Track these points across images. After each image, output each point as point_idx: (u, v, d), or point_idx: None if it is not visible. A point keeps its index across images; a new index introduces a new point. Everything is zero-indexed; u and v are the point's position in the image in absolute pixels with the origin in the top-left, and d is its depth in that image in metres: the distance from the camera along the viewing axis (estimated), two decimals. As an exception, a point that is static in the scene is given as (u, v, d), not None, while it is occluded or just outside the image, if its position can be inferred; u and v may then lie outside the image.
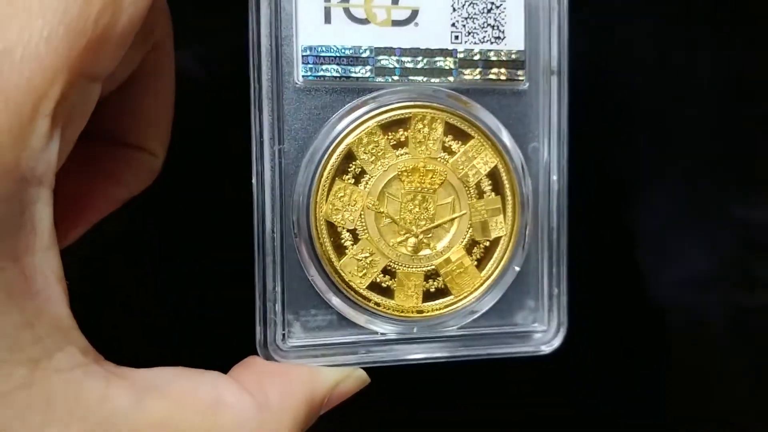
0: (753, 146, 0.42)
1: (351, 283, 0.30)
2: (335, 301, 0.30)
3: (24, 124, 0.19)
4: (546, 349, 0.32)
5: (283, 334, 0.29)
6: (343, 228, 0.30)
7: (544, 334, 0.32)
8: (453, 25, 0.30)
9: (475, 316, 0.32)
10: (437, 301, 0.31)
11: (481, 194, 0.31)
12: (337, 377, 0.29)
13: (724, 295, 0.41)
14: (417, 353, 0.31)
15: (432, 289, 0.31)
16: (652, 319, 0.41)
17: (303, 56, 0.29)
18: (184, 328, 0.38)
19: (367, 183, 0.30)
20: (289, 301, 0.30)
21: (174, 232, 0.37)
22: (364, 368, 0.30)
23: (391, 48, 0.30)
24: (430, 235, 0.31)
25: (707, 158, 0.42)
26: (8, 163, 0.19)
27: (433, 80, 0.30)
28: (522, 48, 0.31)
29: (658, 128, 0.41)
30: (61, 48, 0.20)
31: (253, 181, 0.29)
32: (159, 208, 0.35)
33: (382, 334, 0.31)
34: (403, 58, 0.30)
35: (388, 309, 0.30)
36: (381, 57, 0.30)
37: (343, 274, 0.30)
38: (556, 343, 0.32)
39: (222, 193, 0.35)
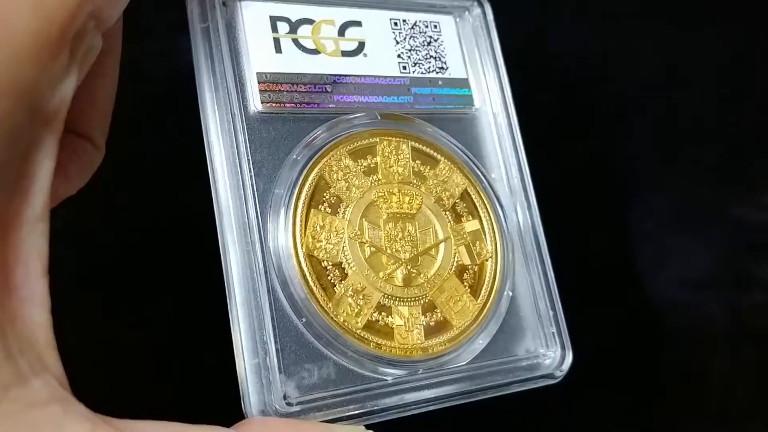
0: (751, 147, 0.43)
1: (347, 325, 0.26)
2: (332, 348, 0.26)
3: (53, 36, 0.16)
4: (558, 374, 0.29)
5: (288, 402, 0.24)
6: (328, 262, 0.26)
7: (552, 359, 0.29)
8: (399, 56, 0.30)
9: (480, 348, 0.28)
10: (440, 338, 0.28)
11: (458, 217, 0.29)
12: (352, 434, 0.24)
13: (722, 295, 0.40)
14: (428, 396, 0.27)
15: (432, 323, 0.28)
16: (651, 318, 0.39)
17: (259, 82, 0.27)
18: (149, 387, 0.30)
19: (344, 212, 0.27)
20: (282, 357, 0.25)
21: (139, 272, 0.31)
22: (373, 422, 0.25)
23: (346, 75, 0.29)
24: (418, 263, 0.28)
25: (706, 159, 0.42)
26: (26, 80, 0.15)
27: (390, 107, 0.29)
28: (465, 76, 0.32)
29: (659, 129, 0.42)
30: None
31: (218, 221, 0.25)
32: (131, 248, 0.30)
33: (386, 379, 0.26)
34: (360, 86, 0.29)
35: (391, 349, 0.27)
36: (338, 84, 0.28)
37: (337, 316, 0.26)
38: (566, 366, 0.29)
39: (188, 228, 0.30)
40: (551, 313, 0.30)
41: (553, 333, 0.30)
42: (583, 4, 0.43)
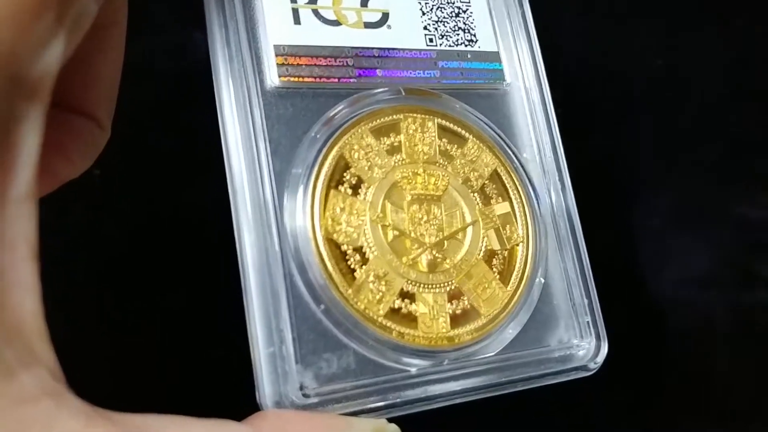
0: (754, 145, 0.42)
1: (368, 312, 0.24)
2: (352, 336, 0.24)
3: None
4: (592, 366, 0.27)
5: (305, 393, 0.23)
6: (348, 246, 0.25)
7: (586, 350, 0.28)
8: (425, 28, 0.29)
9: (510, 338, 0.27)
10: (467, 327, 0.26)
11: (487, 200, 0.28)
12: (373, 429, 0.23)
13: (725, 293, 0.39)
14: (454, 389, 0.25)
15: (458, 311, 0.26)
16: (654, 317, 0.38)
17: (277, 55, 0.25)
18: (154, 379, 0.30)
19: (366, 193, 0.26)
20: (299, 346, 0.23)
21: (148, 261, 0.30)
22: (396, 415, 0.24)
23: (369, 48, 0.27)
24: (444, 248, 0.26)
25: (708, 157, 0.41)
26: (4, 43, 0.14)
27: (416, 82, 0.28)
28: (495, 49, 0.30)
29: (660, 128, 0.41)
30: None
31: (232, 202, 0.24)
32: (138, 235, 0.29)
33: (410, 370, 0.25)
34: (384, 59, 0.27)
35: (414, 339, 0.25)
36: (361, 57, 0.27)
37: (357, 303, 0.24)
38: (601, 358, 0.28)
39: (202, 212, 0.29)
40: (586, 301, 0.28)
41: (587, 322, 0.28)
42: (585, 4, 0.42)
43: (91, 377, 0.20)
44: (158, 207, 0.32)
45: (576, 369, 0.27)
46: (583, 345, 0.28)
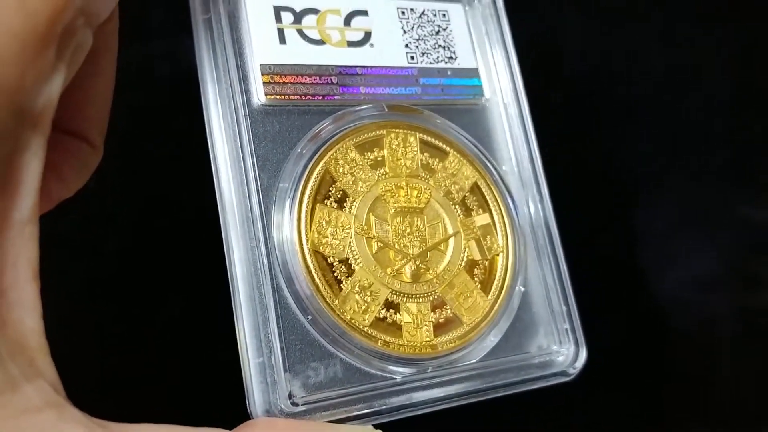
0: (758, 148, 0.42)
1: (354, 322, 0.25)
2: (338, 346, 0.25)
3: (38, 32, 0.15)
4: (571, 371, 0.28)
5: (294, 402, 0.23)
6: (334, 258, 0.26)
7: (565, 356, 0.29)
8: (407, 46, 0.29)
9: (491, 345, 0.28)
10: (450, 335, 0.27)
11: (468, 211, 0.29)
12: (360, 435, 0.24)
13: (729, 296, 0.40)
14: (438, 395, 0.26)
15: (441, 320, 0.27)
16: (657, 319, 0.39)
17: (263, 74, 0.26)
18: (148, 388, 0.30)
19: (351, 206, 0.26)
20: (287, 355, 0.24)
21: (139, 271, 0.31)
22: (382, 422, 0.25)
23: (352, 66, 0.28)
24: (427, 258, 0.27)
25: (713, 160, 0.41)
26: (9, 79, 0.15)
27: (398, 98, 0.29)
28: (474, 66, 0.31)
29: (664, 131, 0.41)
30: None
31: (221, 217, 0.25)
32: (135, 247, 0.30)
33: (395, 378, 0.26)
34: (367, 77, 0.28)
35: (399, 347, 0.26)
36: (344, 75, 0.28)
37: (344, 313, 0.25)
38: (580, 363, 0.29)
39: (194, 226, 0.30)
40: (564, 308, 0.29)
41: (566, 329, 0.29)
42: (590, 4, 0.42)
43: (89, 385, 0.21)
44: (153, 215, 0.32)
45: (555, 375, 0.28)
46: (562, 351, 0.29)
